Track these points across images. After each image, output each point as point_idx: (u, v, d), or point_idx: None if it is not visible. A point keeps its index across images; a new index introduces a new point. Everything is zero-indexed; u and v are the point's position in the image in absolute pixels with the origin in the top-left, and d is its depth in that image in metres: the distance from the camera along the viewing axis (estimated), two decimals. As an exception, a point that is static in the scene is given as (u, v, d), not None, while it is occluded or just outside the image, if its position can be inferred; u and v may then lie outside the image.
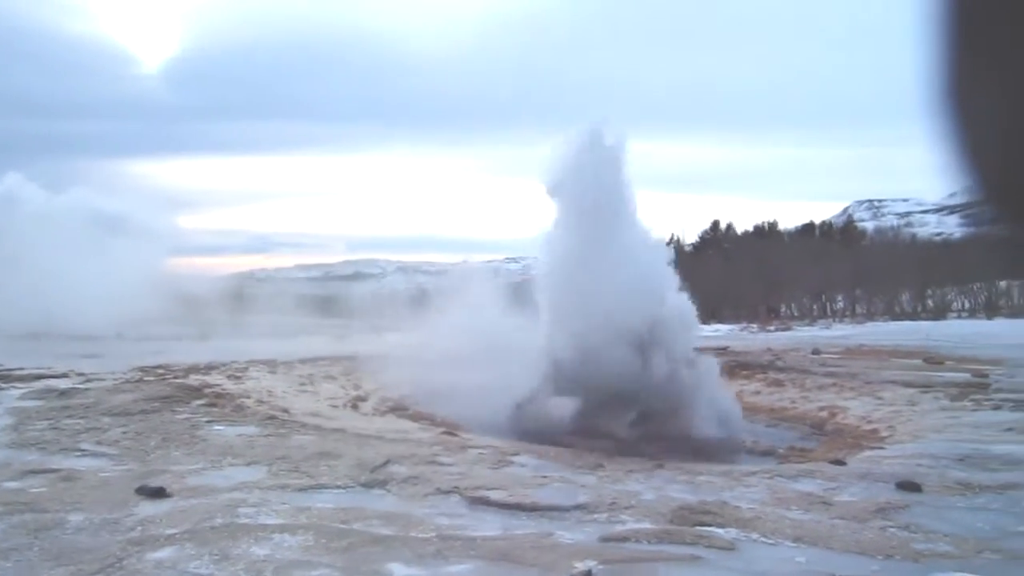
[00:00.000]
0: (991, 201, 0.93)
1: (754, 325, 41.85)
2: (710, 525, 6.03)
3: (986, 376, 16.30)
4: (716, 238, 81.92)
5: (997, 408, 12.63)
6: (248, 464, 7.92)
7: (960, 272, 61.61)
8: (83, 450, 8.47)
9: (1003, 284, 64.34)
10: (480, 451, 9.18)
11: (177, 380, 14.17)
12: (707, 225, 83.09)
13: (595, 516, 6.34)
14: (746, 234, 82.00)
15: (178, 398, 11.99)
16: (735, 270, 62.12)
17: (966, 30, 0.89)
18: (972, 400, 13.46)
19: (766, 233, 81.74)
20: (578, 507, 6.54)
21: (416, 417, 13.61)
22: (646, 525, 6.04)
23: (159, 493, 6.55)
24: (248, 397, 12.80)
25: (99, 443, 8.84)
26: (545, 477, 7.82)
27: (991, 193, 0.93)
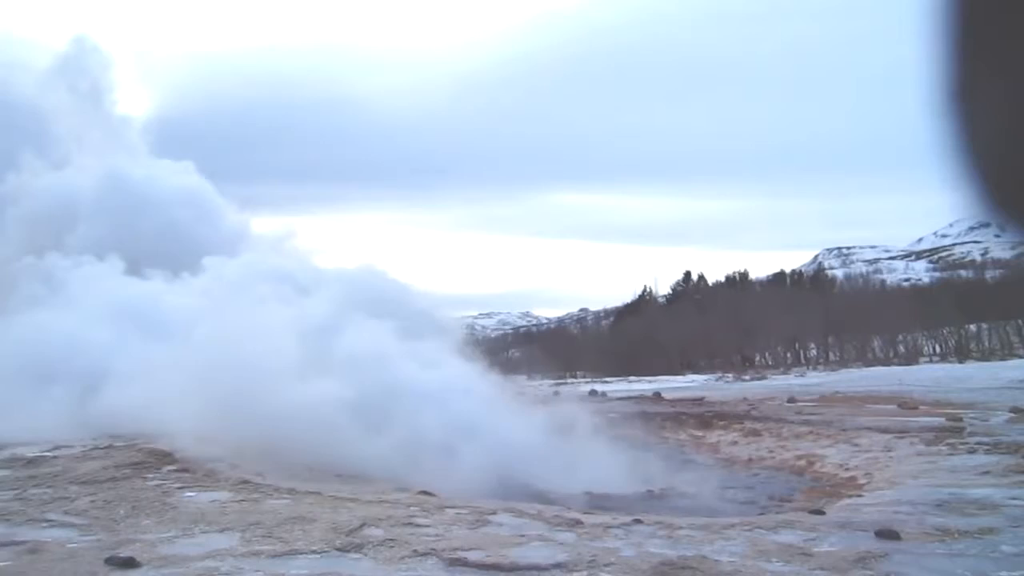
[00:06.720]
0: (995, 201, 0.92)
1: (729, 375, 42.00)
2: (691, 580, 5.97)
3: (960, 420, 16.41)
4: (688, 289, 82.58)
5: (972, 452, 12.69)
6: (221, 531, 7.75)
7: (930, 317, 62.48)
8: (50, 520, 8.26)
9: (972, 328, 65.29)
10: (458, 511, 9.06)
11: (148, 445, 13.90)
12: (679, 276, 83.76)
13: (574, 575, 6.26)
14: (718, 284, 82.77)
15: (148, 464, 11.75)
16: (708, 320, 62.47)
17: (970, 30, 0.89)
18: (947, 444, 13.52)
19: (738, 283, 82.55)
20: (557, 566, 6.46)
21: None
22: (626, 582, 5.97)
23: (129, 563, 6.38)
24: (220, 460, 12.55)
25: (66, 513, 8.64)
26: (523, 536, 7.71)
27: (995, 193, 0.92)
